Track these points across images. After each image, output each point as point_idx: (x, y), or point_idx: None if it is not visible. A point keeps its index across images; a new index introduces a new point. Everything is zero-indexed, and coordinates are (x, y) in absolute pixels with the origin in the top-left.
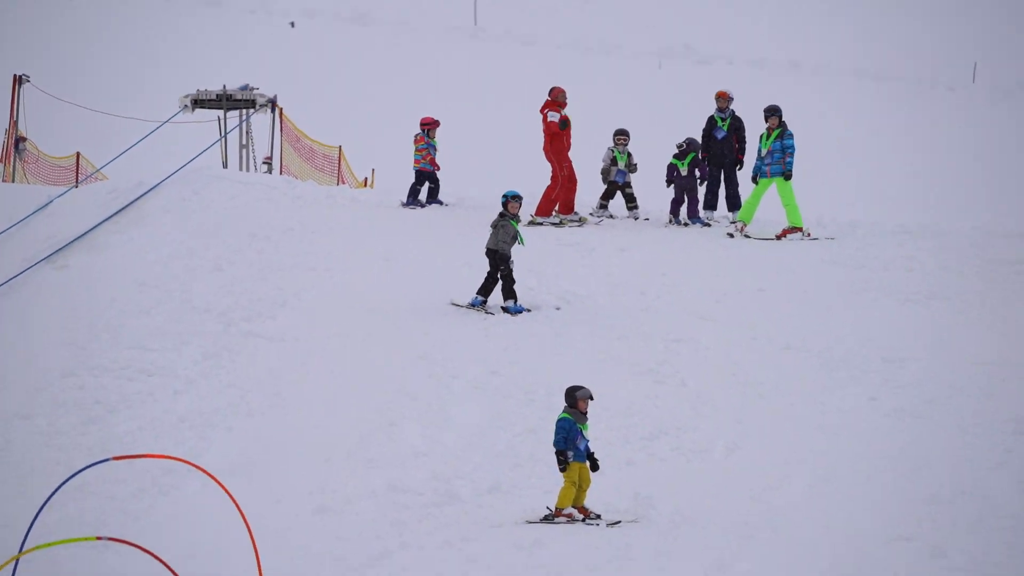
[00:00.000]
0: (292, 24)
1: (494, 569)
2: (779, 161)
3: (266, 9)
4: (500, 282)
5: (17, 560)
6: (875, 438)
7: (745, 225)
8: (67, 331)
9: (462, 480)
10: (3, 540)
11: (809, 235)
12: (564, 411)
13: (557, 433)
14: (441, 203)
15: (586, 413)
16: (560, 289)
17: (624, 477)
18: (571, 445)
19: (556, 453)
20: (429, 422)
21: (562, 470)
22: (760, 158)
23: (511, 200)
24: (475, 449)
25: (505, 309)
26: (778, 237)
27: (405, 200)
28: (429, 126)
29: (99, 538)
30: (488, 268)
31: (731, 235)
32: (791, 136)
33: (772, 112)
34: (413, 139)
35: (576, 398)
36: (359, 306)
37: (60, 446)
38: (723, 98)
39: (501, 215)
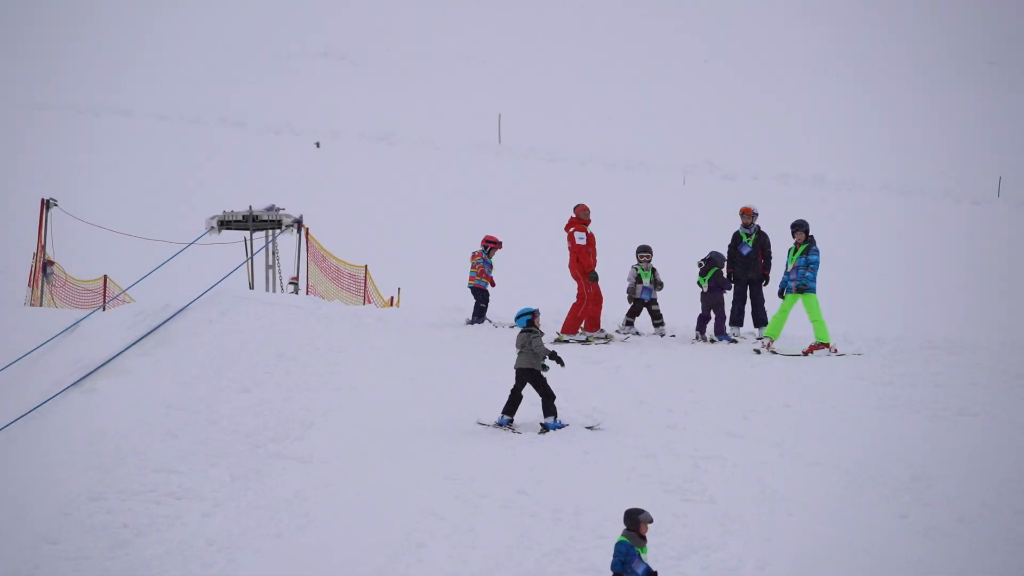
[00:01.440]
0: (318, 144)
1: None
2: (802, 276)
3: (292, 130)
4: (542, 399)
5: None
6: (906, 556)
7: (772, 341)
8: (94, 455)
9: None
10: None
11: (836, 351)
12: (623, 534)
13: (615, 556)
14: (488, 321)
15: (646, 537)
16: (588, 407)
17: None
18: (628, 569)
19: None
20: (457, 542)
21: None
22: (787, 273)
23: (535, 315)
24: (503, 570)
25: (544, 427)
26: (805, 353)
27: (470, 318)
28: (493, 245)
29: None
30: (513, 386)
31: (758, 351)
32: (816, 252)
33: (798, 227)
34: (470, 255)
35: (638, 521)
36: (386, 426)
37: (88, 571)
38: (747, 214)
39: (529, 331)
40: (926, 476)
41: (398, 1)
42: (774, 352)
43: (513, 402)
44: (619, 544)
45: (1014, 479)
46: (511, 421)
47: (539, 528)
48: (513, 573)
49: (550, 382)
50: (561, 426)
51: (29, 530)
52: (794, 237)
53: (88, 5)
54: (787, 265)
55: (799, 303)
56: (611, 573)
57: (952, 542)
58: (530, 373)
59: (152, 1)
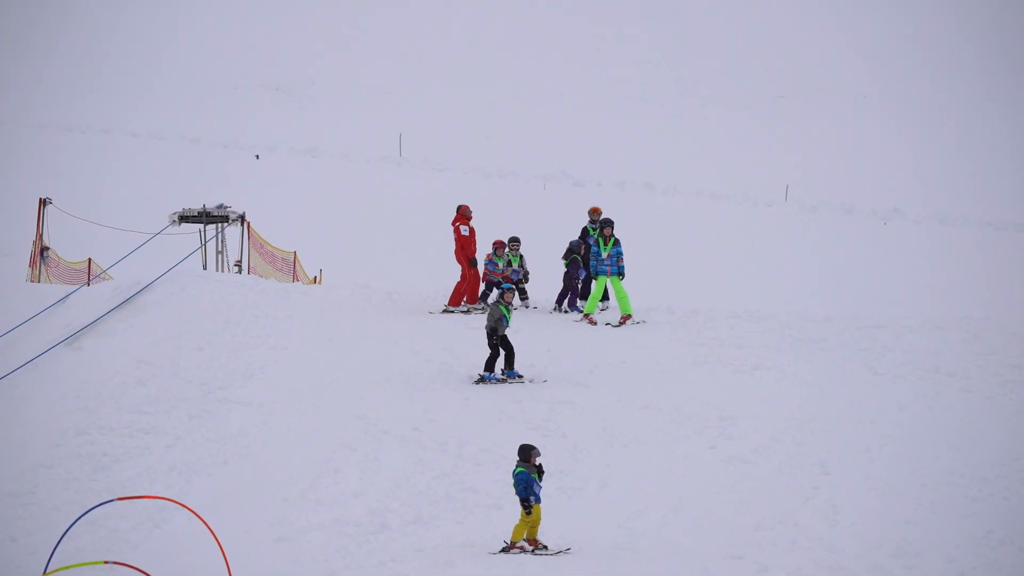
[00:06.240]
0: (257, 156)
1: None
2: (615, 263)
3: (236, 144)
4: (491, 352)
5: None
6: (713, 478)
7: (592, 315)
8: (80, 398)
9: (392, 514)
10: (30, 565)
11: (636, 321)
12: (519, 465)
13: (519, 484)
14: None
15: (536, 465)
16: (469, 363)
17: (517, 512)
18: (531, 491)
19: (521, 501)
20: (365, 468)
21: (528, 512)
22: (600, 260)
23: (506, 291)
24: (402, 489)
25: (481, 378)
26: (619, 323)
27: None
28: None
29: (106, 562)
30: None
31: (594, 323)
32: (619, 243)
33: (607, 224)
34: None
35: (530, 454)
36: (310, 377)
37: (76, 490)
38: (595, 212)
39: (496, 302)
40: (729, 416)
41: (319, 43)
42: (607, 324)
43: (491, 360)
44: (520, 474)
45: (795, 418)
46: (487, 376)
47: (430, 457)
48: (409, 492)
49: (439, 344)
50: (493, 379)
51: (29, 457)
52: (603, 232)
53: (80, 44)
54: (600, 254)
55: (607, 283)
56: (520, 499)
57: (749, 467)
58: (487, 330)
59: (129, 40)
